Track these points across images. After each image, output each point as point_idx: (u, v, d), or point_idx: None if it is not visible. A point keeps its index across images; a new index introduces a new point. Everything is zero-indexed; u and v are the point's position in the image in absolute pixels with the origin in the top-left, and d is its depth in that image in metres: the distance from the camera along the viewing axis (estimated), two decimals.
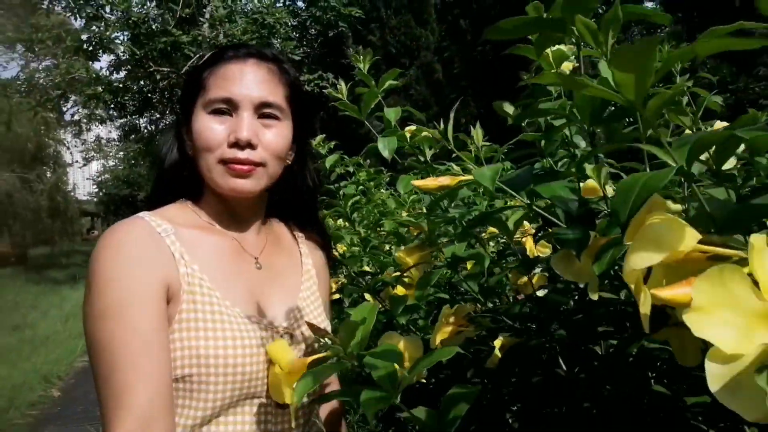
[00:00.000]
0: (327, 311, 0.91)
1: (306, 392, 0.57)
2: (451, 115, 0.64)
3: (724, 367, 0.27)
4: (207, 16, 9.38)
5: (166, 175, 0.81)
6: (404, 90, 9.76)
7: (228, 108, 0.73)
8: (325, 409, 0.92)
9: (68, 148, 17.12)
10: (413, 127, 1.77)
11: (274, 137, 0.75)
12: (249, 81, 0.74)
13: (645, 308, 0.33)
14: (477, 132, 0.64)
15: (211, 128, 0.73)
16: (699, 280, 0.28)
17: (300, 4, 11.44)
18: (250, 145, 0.72)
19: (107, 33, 9.21)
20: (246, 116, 0.73)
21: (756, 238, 0.29)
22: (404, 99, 9.83)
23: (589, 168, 0.56)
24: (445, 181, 0.60)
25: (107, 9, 8.99)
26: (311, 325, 0.68)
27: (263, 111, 0.74)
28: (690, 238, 0.33)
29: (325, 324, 0.84)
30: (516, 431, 0.95)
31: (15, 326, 6.21)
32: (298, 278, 0.84)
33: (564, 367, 0.84)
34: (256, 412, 0.72)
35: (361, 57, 1.16)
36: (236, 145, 0.71)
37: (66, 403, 4.05)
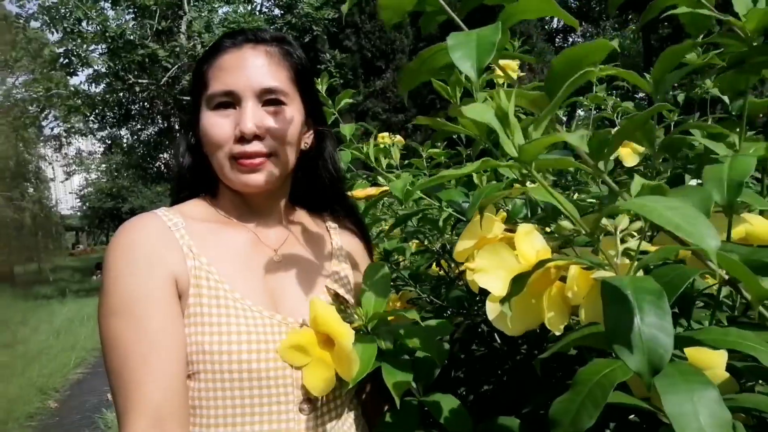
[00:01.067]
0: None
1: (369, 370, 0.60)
2: (371, 141, 0.82)
3: (495, 304, 0.45)
4: (184, 27, 9.48)
5: (183, 177, 0.79)
6: (382, 93, 9.96)
7: (231, 100, 0.70)
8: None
9: (50, 164, 17.08)
10: (385, 134, 1.96)
11: (281, 124, 0.71)
12: (247, 69, 0.70)
13: (468, 276, 0.51)
14: (395, 151, 0.81)
15: (215, 125, 0.70)
16: (480, 252, 0.46)
17: (276, 12, 11.58)
18: (256, 137, 0.69)
19: (83, 46, 9.27)
20: (249, 107, 0.69)
21: (522, 226, 0.47)
22: (382, 101, 10.04)
23: (476, 176, 0.74)
24: (371, 191, 0.78)
25: (84, 24, 9.06)
26: (330, 290, 0.68)
27: (267, 98, 0.71)
28: (497, 229, 0.51)
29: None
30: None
31: (6, 344, 6.28)
32: (325, 270, 0.78)
33: (498, 340, 1.02)
34: (277, 419, 0.67)
35: (319, 79, 1.33)
36: (243, 138, 0.69)
37: (64, 413, 4.18)
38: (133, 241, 0.66)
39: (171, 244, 0.67)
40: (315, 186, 0.81)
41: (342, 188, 0.83)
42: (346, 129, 1.24)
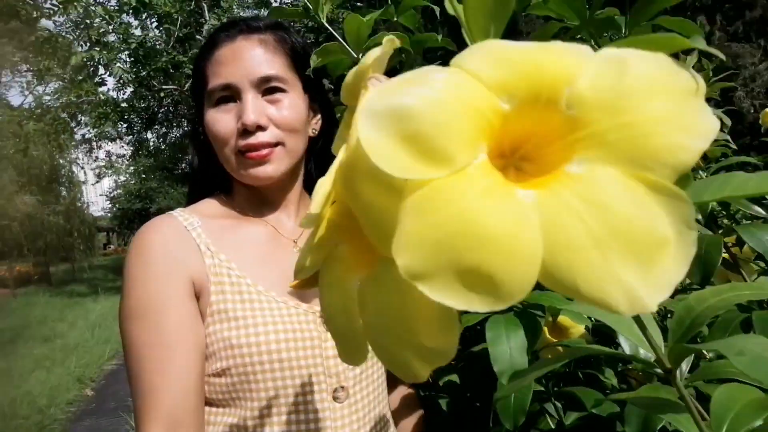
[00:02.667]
0: None
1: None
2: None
3: None
4: (205, 34, 9.84)
5: (196, 176, 0.80)
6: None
7: (230, 94, 0.70)
8: (396, 401, 0.83)
9: (82, 167, 17.83)
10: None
11: (284, 112, 0.70)
12: (242, 60, 0.69)
13: None
14: None
15: (218, 121, 0.70)
16: None
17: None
18: (260, 128, 0.68)
19: (108, 55, 9.71)
20: (249, 98, 0.68)
21: None
22: None
23: None
24: None
25: (109, 36, 9.51)
26: None
27: (266, 87, 0.70)
28: None
29: None
30: None
31: (46, 338, 6.74)
32: None
33: None
34: (312, 409, 0.66)
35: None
36: (246, 131, 0.68)
37: (99, 400, 4.55)
38: (149, 244, 0.66)
39: (188, 245, 0.67)
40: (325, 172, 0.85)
41: None
42: None
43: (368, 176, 0.20)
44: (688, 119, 0.17)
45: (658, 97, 0.18)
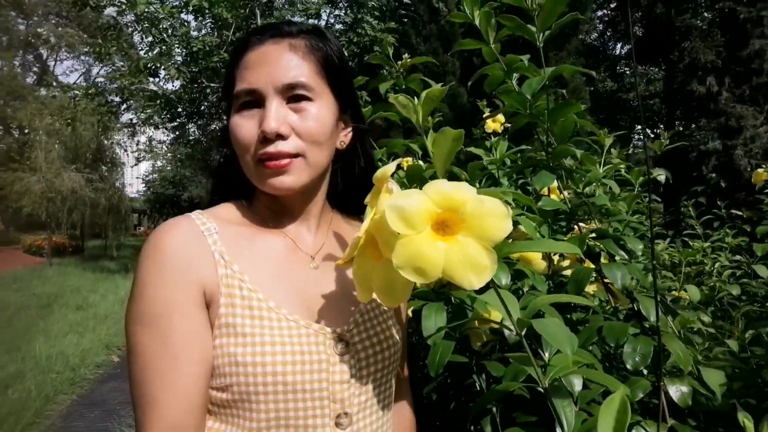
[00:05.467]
0: (400, 315, 0.81)
1: None
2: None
3: None
4: None
5: (219, 177, 0.78)
6: (432, 113, 10.51)
7: (255, 99, 0.67)
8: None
9: (125, 150, 18.66)
10: (409, 159, 2.52)
11: (308, 122, 0.67)
12: (269, 65, 0.67)
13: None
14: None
15: (240, 126, 0.68)
16: None
17: (338, 27, 12.37)
18: (280, 137, 0.66)
19: (167, 52, 10.32)
20: (272, 105, 0.66)
21: None
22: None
23: None
24: None
25: (169, 32, 10.13)
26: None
27: (291, 94, 0.67)
28: None
29: (392, 331, 0.74)
30: None
31: (78, 306, 7.24)
32: None
33: None
34: None
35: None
36: (266, 139, 0.66)
37: (123, 366, 4.87)
38: (164, 247, 0.64)
39: (202, 251, 0.65)
40: (351, 188, 0.79)
41: None
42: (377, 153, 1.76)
43: (385, 228, 0.52)
44: (500, 225, 0.50)
45: (491, 216, 0.50)
